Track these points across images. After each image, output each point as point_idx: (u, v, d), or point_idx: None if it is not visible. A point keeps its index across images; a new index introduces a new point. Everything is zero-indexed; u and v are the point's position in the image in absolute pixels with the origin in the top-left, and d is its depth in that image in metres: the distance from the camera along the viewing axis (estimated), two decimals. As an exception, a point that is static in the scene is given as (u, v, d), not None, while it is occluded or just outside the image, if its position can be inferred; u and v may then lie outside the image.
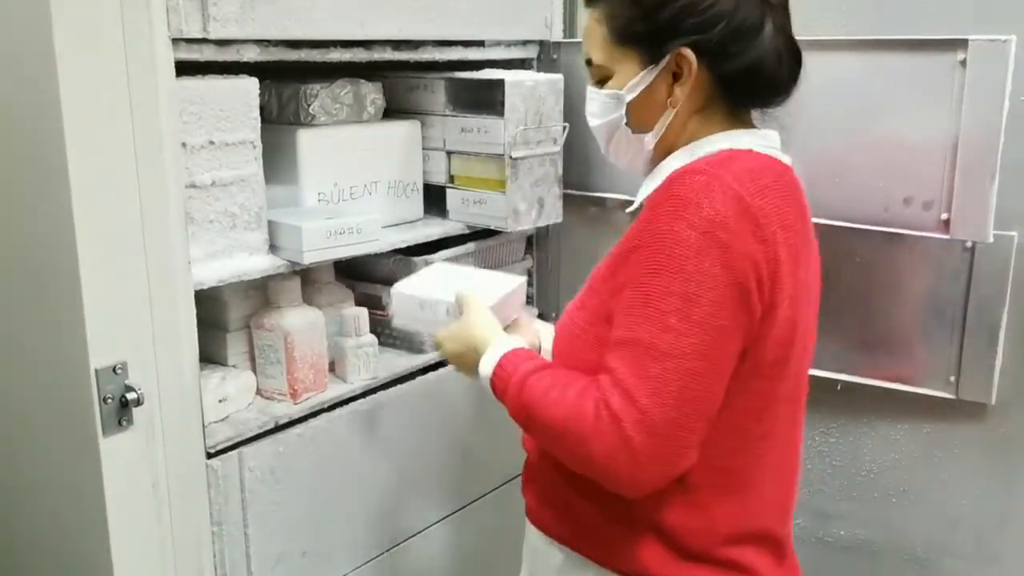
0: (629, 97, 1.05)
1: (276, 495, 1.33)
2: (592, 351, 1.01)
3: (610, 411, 0.93)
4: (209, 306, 1.37)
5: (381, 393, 1.48)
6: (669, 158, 1.06)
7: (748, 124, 1.07)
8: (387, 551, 1.51)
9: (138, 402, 1.10)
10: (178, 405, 1.19)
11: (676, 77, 1.03)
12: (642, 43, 1.03)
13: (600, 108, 1.08)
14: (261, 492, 1.31)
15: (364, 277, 1.61)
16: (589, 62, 1.08)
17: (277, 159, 1.42)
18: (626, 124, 1.07)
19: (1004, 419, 1.46)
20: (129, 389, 1.10)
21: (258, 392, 1.40)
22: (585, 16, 1.08)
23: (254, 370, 1.41)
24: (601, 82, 1.08)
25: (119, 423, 1.10)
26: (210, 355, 1.39)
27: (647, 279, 0.94)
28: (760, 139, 1.05)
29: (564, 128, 1.61)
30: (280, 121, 1.49)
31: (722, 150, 1.02)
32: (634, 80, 1.04)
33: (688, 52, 1.00)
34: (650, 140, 1.07)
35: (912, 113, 1.39)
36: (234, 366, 1.41)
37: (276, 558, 1.34)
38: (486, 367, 1.07)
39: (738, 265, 0.93)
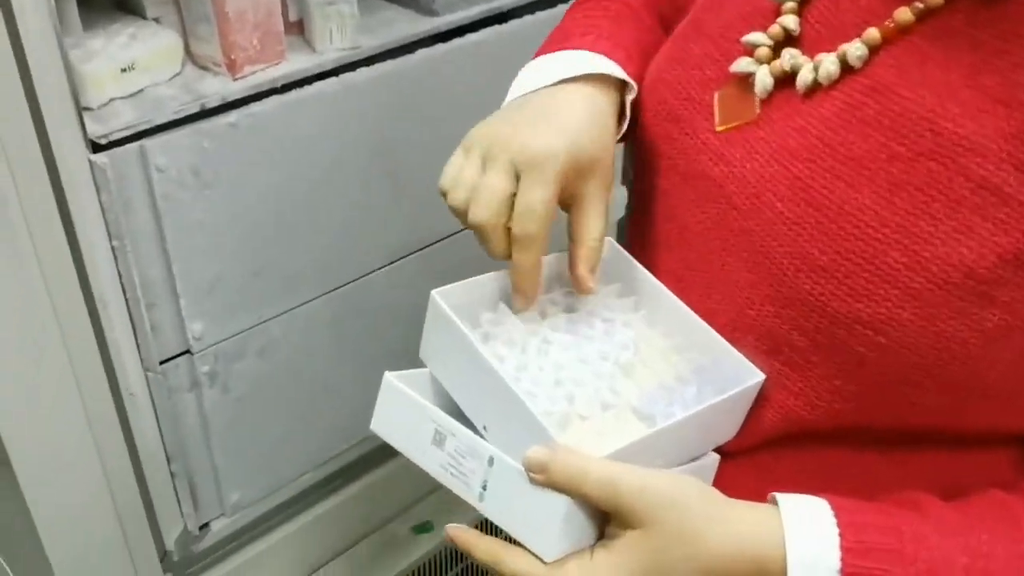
0: None
1: (206, 202, 1.00)
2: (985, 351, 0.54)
3: None
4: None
5: (362, 70, 1.08)
6: None
7: None
8: (354, 281, 1.19)
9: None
10: (32, 73, 0.83)
11: None
12: None
13: None
14: (182, 199, 0.98)
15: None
16: None
17: None
18: None
19: None
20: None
21: (192, 61, 1.03)
22: None
23: (183, 29, 1.02)
24: None
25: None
26: (124, 2, 1.01)
27: None
28: None
29: None
30: None
31: None
32: None
33: None
34: None
35: None
36: (155, 20, 1.02)
37: (212, 279, 1.04)
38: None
39: None
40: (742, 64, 0.63)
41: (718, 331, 0.64)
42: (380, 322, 1.23)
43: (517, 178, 0.63)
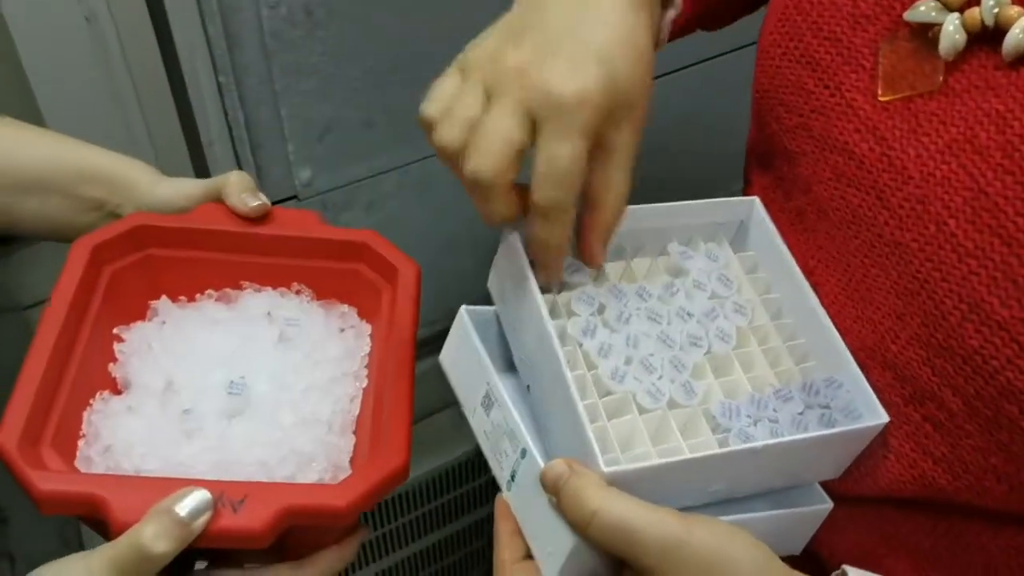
0: None
1: (318, 44, 0.94)
2: None
3: None
4: None
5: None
6: None
7: None
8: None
9: None
10: None
11: None
12: None
13: None
14: (292, 39, 0.92)
15: None
16: None
17: None
18: None
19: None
20: None
21: None
22: None
23: None
24: None
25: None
26: None
27: None
28: None
29: None
30: None
31: None
32: None
33: None
34: None
35: None
36: None
37: (322, 126, 0.99)
38: None
39: None
40: (921, 10, 0.45)
41: (850, 349, 0.50)
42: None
43: (531, 126, 0.45)
